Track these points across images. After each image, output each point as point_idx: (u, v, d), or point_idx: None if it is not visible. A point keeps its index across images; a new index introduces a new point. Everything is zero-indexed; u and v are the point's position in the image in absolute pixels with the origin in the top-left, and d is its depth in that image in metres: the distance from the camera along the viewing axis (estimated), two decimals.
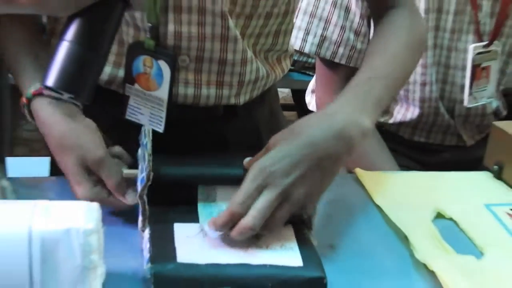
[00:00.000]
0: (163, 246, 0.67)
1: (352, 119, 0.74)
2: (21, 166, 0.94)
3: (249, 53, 0.90)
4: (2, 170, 0.81)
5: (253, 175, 0.68)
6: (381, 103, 0.80)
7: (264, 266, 0.66)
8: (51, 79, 0.54)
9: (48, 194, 0.77)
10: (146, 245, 0.68)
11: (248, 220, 0.66)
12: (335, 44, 1.15)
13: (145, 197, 0.69)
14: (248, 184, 0.68)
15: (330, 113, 0.76)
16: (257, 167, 0.69)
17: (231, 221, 0.67)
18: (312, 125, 0.74)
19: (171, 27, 0.84)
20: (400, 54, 0.86)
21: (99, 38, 0.56)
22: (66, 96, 0.77)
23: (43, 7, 0.52)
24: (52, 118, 0.77)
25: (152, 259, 0.64)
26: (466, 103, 1.17)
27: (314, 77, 1.27)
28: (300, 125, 0.75)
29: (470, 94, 1.17)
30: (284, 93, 2.30)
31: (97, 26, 0.55)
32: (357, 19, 1.13)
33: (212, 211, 0.74)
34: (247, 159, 0.75)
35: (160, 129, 0.84)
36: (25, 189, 0.79)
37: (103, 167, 0.74)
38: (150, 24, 0.82)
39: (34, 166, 0.89)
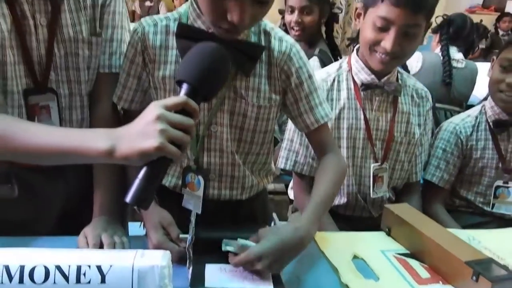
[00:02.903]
0: (198, 276, 0.72)
1: (308, 231, 0.77)
2: (133, 229, 0.99)
3: (247, 172, 0.93)
4: (125, 232, 0.84)
5: (252, 254, 0.73)
6: (321, 218, 0.84)
7: None
8: (128, 198, 0.57)
9: (143, 244, 0.80)
10: (189, 275, 0.72)
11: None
12: (302, 164, 1.20)
13: (190, 249, 0.73)
14: (248, 257, 0.73)
15: (297, 226, 0.77)
16: (252, 252, 0.73)
17: (240, 265, 0.74)
18: (284, 231, 0.76)
19: (205, 159, 0.89)
20: (332, 184, 0.87)
21: (156, 177, 0.59)
22: None
23: (129, 162, 0.58)
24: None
25: (191, 283, 0.70)
26: (372, 195, 1.21)
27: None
28: (279, 229, 0.77)
29: (373, 190, 1.21)
30: (281, 186, 2.46)
31: (155, 171, 0.58)
32: (312, 151, 1.16)
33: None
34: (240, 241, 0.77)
35: (199, 211, 0.88)
36: (133, 241, 0.82)
37: (171, 226, 0.79)
38: (194, 157, 0.89)
39: (138, 230, 0.93)
